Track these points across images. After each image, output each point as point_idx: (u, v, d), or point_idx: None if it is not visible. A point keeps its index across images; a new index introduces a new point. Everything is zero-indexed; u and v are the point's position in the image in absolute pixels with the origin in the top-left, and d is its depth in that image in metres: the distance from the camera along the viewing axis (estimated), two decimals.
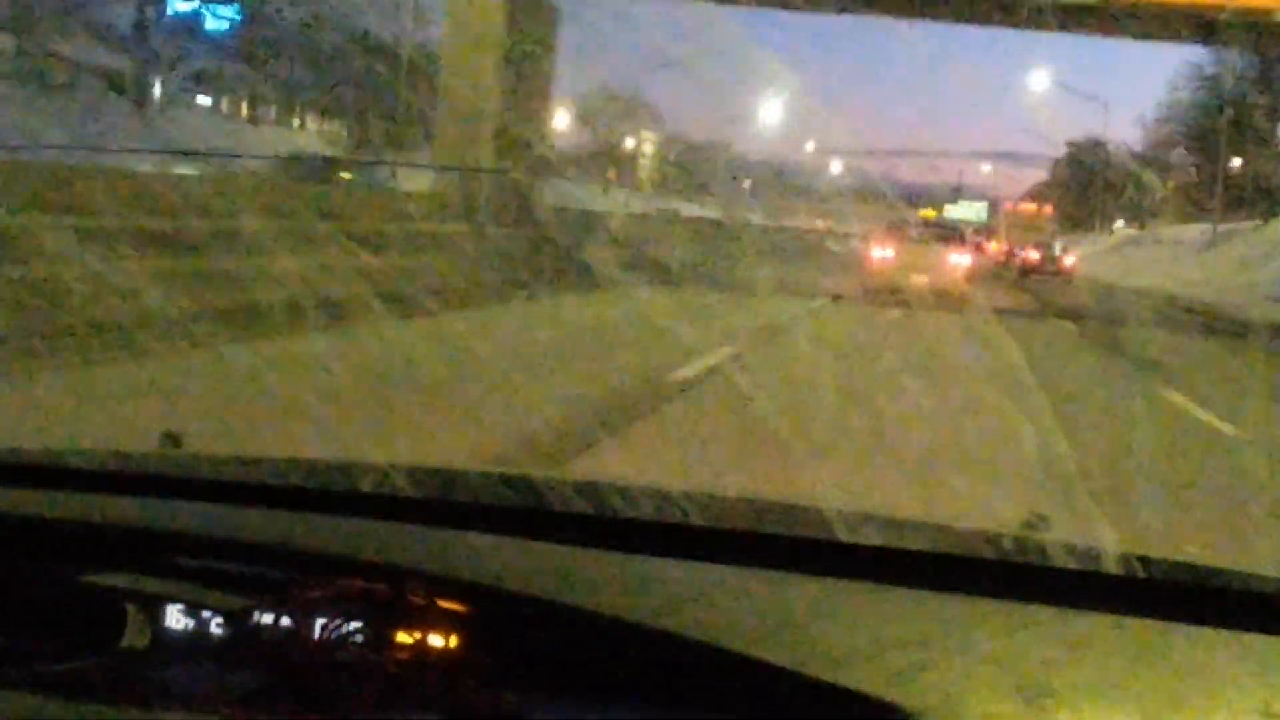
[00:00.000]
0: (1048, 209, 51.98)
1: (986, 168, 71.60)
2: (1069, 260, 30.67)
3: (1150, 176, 48.32)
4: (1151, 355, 9.57)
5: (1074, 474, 4.49)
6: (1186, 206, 45.78)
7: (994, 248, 40.32)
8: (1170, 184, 49.40)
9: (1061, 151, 58.72)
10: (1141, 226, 51.18)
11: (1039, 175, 66.20)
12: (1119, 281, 32.27)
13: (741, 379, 7.26)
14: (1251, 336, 15.82)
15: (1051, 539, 1.15)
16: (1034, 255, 31.02)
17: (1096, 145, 53.00)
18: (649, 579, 1.10)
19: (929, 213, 60.33)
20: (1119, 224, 56.95)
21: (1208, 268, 33.36)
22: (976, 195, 66.28)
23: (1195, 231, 39.88)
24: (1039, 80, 34.56)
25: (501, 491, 1.28)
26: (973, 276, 18.73)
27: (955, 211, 61.94)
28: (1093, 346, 12.63)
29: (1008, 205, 56.62)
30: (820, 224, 48.01)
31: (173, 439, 1.47)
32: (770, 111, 36.66)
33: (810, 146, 53.63)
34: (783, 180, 59.53)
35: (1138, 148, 52.02)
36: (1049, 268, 29.84)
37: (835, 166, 55.81)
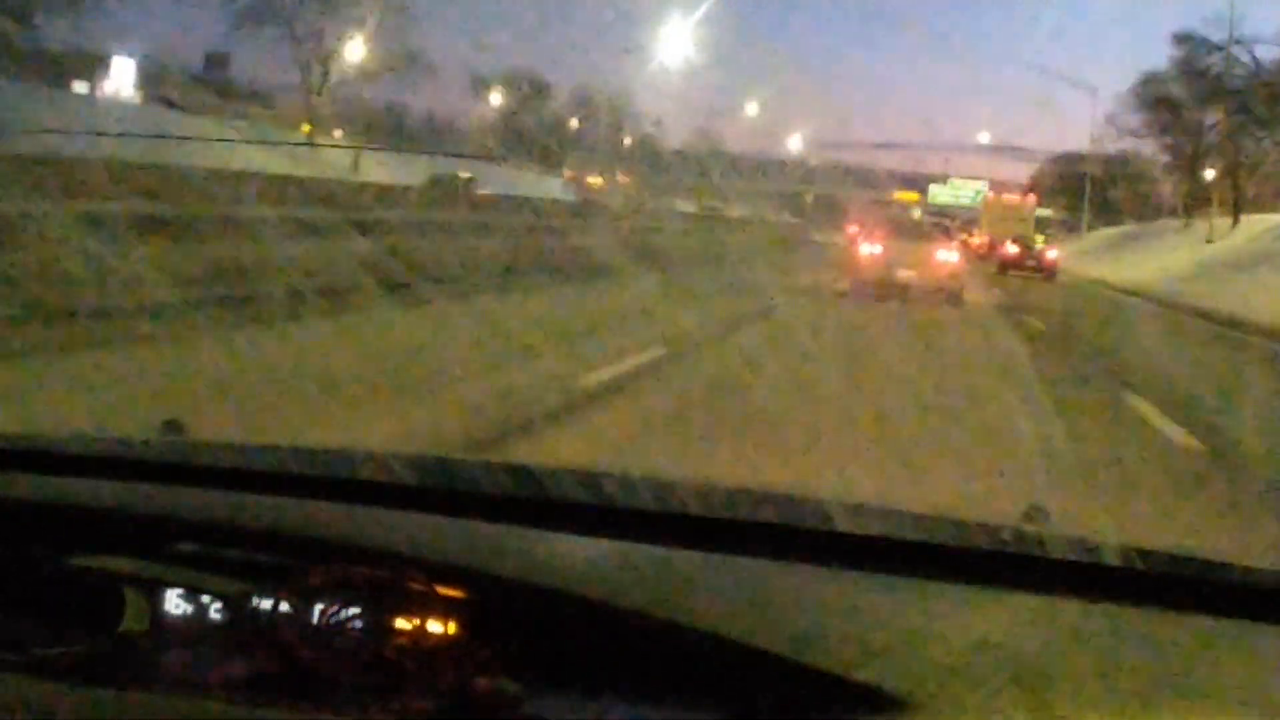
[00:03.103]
0: (1031, 199, 48.33)
1: (985, 137, 58.11)
2: (1052, 254, 30.10)
3: None
4: None
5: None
6: None
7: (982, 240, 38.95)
8: None
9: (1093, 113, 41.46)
10: None
11: (1041, 164, 51.75)
12: None
13: None
14: None
15: (1050, 531, 1.16)
16: (1012, 249, 30.67)
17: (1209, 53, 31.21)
18: (647, 567, 1.10)
19: (909, 195, 49.84)
20: (1142, 216, 42.32)
21: None
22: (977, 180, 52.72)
23: None
24: None
25: (501, 480, 1.27)
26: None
27: (943, 195, 51.95)
28: None
29: (989, 195, 50.16)
30: (696, 204, 38.91)
31: (175, 427, 1.46)
32: (673, 49, 25.76)
33: (753, 109, 43.13)
34: (727, 161, 46.34)
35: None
36: (1029, 263, 29.44)
37: (794, 144, 45.55)
